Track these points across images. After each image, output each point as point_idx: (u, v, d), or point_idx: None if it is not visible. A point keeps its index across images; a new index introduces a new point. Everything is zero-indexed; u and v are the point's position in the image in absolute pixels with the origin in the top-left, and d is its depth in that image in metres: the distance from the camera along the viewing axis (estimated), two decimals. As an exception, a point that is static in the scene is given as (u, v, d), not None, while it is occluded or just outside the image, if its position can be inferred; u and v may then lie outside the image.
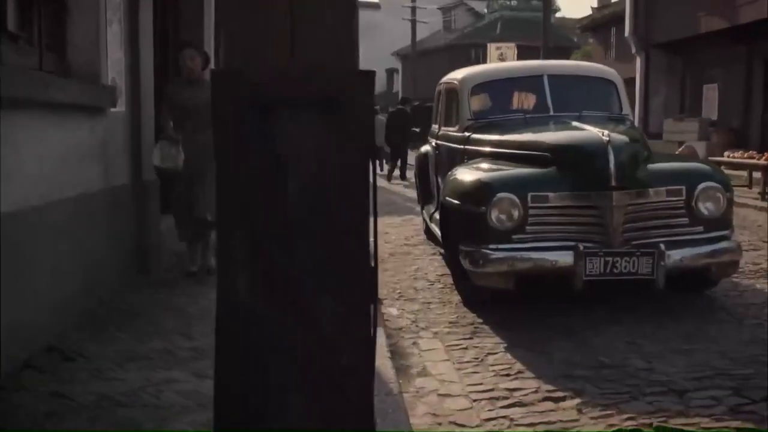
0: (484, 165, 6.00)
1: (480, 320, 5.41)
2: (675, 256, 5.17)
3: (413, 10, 38.92)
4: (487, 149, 6.38)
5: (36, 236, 4.20)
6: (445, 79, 8.10)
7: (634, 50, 22.41)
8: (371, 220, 1.75)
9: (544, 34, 26.23)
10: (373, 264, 1.72)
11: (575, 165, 5.38)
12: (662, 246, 5.11)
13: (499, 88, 7.23)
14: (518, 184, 5.38)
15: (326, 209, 1.61)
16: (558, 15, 54.77)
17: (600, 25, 28.13)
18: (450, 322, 5.42)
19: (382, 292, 6.44)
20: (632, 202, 5.24)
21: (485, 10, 47.54)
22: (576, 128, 5.84)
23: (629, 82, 23.31)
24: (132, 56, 5.92)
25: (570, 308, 5.47)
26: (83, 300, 4.83)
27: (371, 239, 1.79)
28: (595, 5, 34.36)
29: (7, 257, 3.73)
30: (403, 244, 9.01)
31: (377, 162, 22.55)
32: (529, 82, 7.12)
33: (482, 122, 6.91)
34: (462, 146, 6.86)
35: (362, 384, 1.67)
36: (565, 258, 5.15)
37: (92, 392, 3.65)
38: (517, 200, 5.25)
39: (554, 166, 5.47)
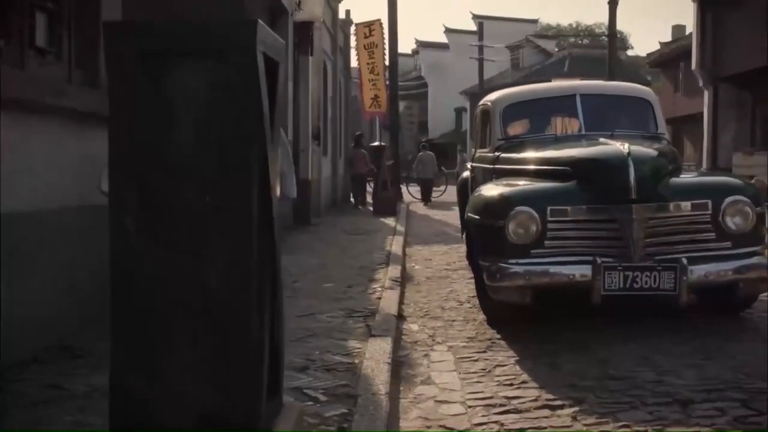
0: (508, 181, 5.95)
1: (498, 336, 5.33)
2: (699, 271, 5.00)
3: (480, 49, 39.06)
4: (514, 167, 6.33)
5: (53, 238, 4.35)
6: (481, 101, 8.10)
7: (701, 83, 21.90)
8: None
9: (610, 70, 26.02)
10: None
11: (595, 178, 5.29)
12: (684, 260, 4.95)
13: (531, 108, 7.19)
14: (537, 198, 5.31)
15: (214, 156, 1.65)
16: (630, 53, 54.21)
17: (668, 60, 27.70)
18: (468, 338, 5.36)
19: (408, 310, 6.43)
20: (653, 215, 5.11)
21: (555, 49, 47.41)
22: (599, 143, 5.75)
23: (698, 117, 22.78)
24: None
25: (589, 323, 5.34)
26: (101, 302, 4.95)
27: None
28: (666, 39, 33.90)
29: (21, 256, 3.88)
30: (443, 269, 8.97)
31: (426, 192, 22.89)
32: (562, 101, 7.06)
33: (513, 142, 6.88)
34: (492, 166, 6.83)
35: (243, 331, 1.68)
36: (582, 272, 5.04)
37: (88, 384, 3.73)
38: (535, 214, 5.18)
39: (575, 180, 5.39)
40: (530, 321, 5.57)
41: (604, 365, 4.43)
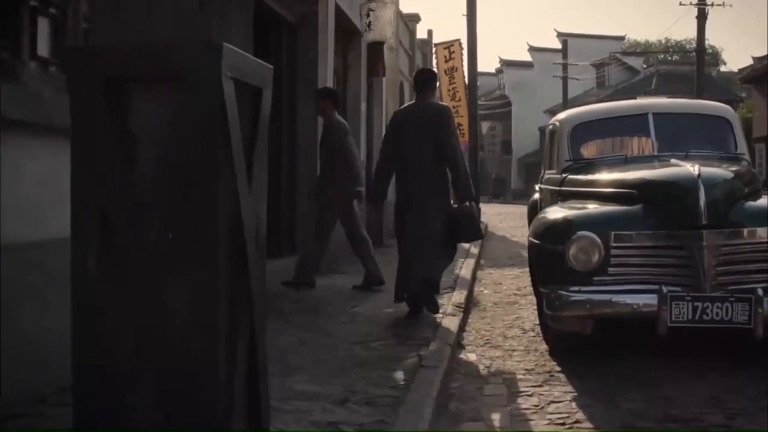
0: (571, 204, 5.68)
1: (558, 368, 5.05)
2: (776, 303, 4.61)
3: (564, 66, 38.38)
4: (580, 189, 6.05)
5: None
6: (550, 121, 7.84)
7: (796, 100, 20.85)
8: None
9: (698, 87, 25.12)
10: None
11: (663, 202, 4.98)
12: (760, 291, 4.57)
13: (601, 127, 6.87)
14: (600, 222, 5.03)
15: (177, 190, 1.52)
16: (723, 69, 52.33)
17: (761, 75, 26.45)
18: (526, 370, 5.10)
19: (468, 338, 6.20)
20: (726, 242, 4.76)
21: (643, 66, 46.17)
22: (669, 165, 5.42)
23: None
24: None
25: (654, 357, 5.01)
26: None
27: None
28: (761, 54, 32.35)
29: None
30: (512, 294, 8.70)
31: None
32: (634, 121, 6.72)
33: (581, 163, 6.59)
34: (558, 188, 6.55)
35: (206, 366, 1.55)
36: (647, 301, 4.73)
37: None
38: (598, 239, 4.89)
39: (641, 203, 5.08)
40: (593, 352, 5.27)
41: (668, 405, 4.11)
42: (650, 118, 6.53)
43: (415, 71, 20.86)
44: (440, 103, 7.05)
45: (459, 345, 5.82)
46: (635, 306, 4.78)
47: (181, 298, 1.55)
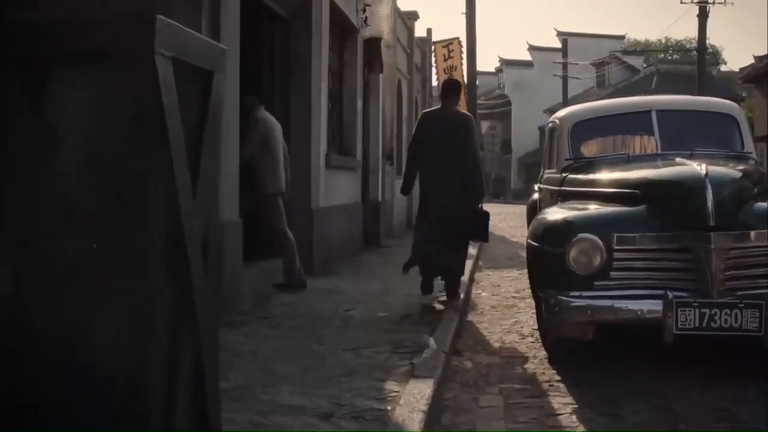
0: (572, 205, 5.44)
1: (558, 377, 4.82)
2: (788, 309, 4.37)
3: (564, 66, 38.16)
4: (581, 189, 5.80)
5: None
6: (550, 118, 7.60)
7: (799, 99, 20.58)
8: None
9: (699, 87, 24.89)
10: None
11: (668, 203, 4.74)
12: (771, 296, 4.34)
13: (602, 125, 6.62)
14: (601, 224, 4.79)
15: (104, 188, 1.28)
16: (724, 68, 52.09)
17: (762, 74, 26.18)
18: (524, 378, 4.87)
19: (464, 344, 5.97)
20: (735, 245, 4.51)
21: (643, 65, 45.95)
22: (674, 164, 5.18)
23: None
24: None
25: (660, 366, 4.77)
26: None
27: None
28: (762, 53, 32.08)
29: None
30: (510, 297, 8.48)
31: None
32: (636, 118, 6.47)
33: (582, 162, 6.34)
34: (558, 188, 6.31)
35: (141, 405, 1.31)
36: (651, 308, 4.49)
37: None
38: (600, 241, 4.65)
39: (644, 204, 4.84)
40: (595, 360, 5.03)
41: (675, 418, 3.88)
42: (654, 115, 6.28)
43: (414, 69, 20.54)
44: (464, 112, 7.74)
45: (454, 351, 5.57)
46: (639, 312, 4.54)
47: (109, 316, 1.31)
